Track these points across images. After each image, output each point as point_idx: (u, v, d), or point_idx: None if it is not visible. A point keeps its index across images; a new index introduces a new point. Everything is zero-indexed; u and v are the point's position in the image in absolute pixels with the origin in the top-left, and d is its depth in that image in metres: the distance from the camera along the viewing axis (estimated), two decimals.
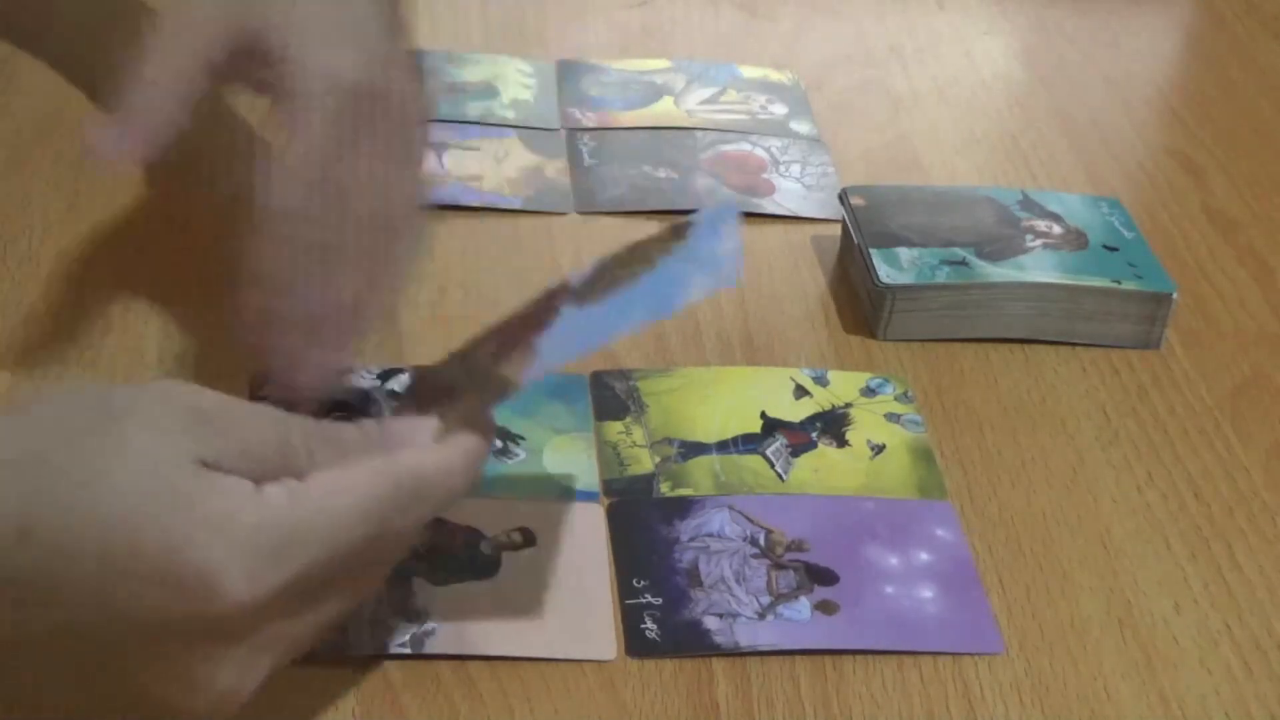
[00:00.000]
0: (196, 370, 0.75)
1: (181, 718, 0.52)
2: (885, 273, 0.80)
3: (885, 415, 0.76)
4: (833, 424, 0.75)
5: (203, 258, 0.82)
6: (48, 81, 0.95)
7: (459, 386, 0.61)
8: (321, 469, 0.53)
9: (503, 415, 0.73)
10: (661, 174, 0.92)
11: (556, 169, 0.92)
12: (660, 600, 0.65)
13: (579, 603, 0.65)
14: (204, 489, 0.50)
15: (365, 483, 0.53)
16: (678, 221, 0.62)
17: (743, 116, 0.99)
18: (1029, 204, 0.87)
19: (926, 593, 0.67)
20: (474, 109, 0.96)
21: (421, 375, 0.68)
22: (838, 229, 0.88)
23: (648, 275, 0.61)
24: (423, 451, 0.55)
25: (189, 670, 0.51)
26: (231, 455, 0.51)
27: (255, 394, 0.71)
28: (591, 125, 0.96)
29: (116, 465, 0.50)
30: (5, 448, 0.51)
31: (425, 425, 0.56)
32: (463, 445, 0.56)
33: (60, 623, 0.50)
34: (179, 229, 0.84)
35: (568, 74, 1.01)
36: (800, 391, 0.77)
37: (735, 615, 0.65)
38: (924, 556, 0.69)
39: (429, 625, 0.63)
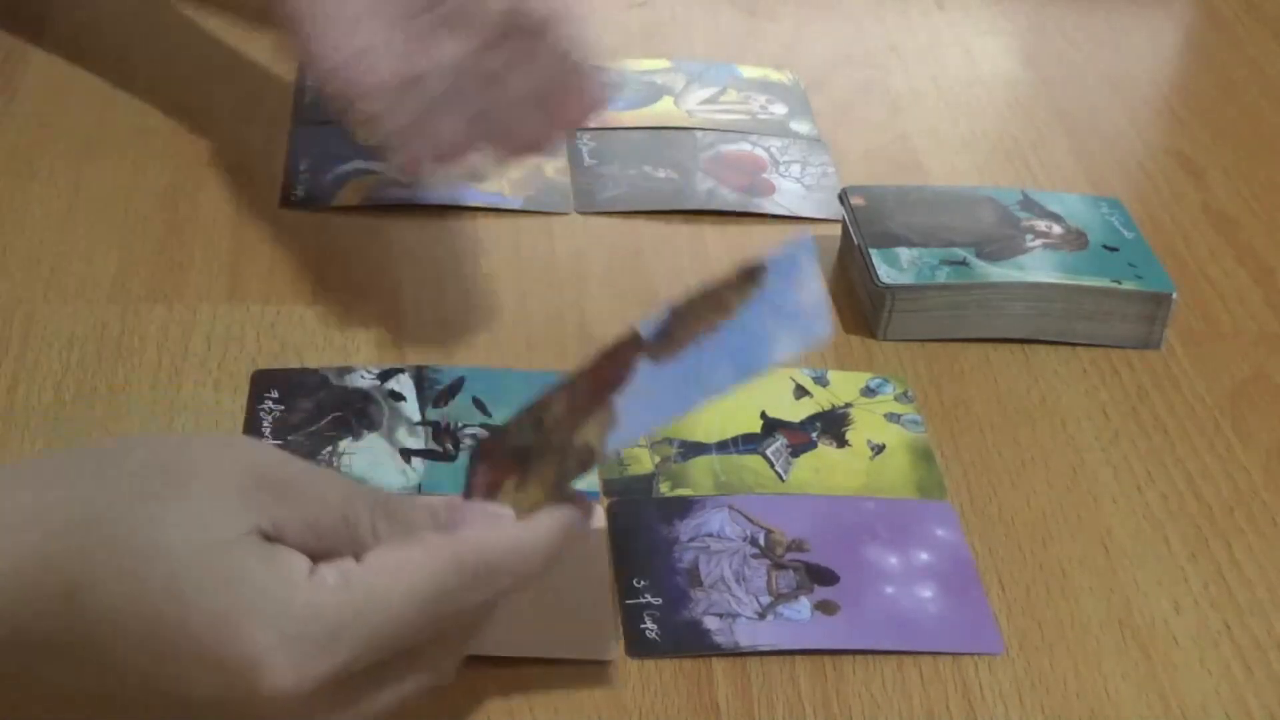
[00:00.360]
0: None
1: None
2: (885, 273, 0.80)
3: (885, 415, 0.76)
4: (833, 424, 0.75)
5: (214, 250, 0.82)
6: (48, 81, 0.95)
7: (533, 453, 0.58)
8: (383, 544, 0.52)
9: (503, 415, 0.73)
10: (661, 174, 0.92)
11: (556, 169, 0.92)
12: (660, 600, 0.65)
13: (579, 603, 0.65)
14: (258, 567, 0.49)
15: (423, 564, 0.51)
16: (750, 263, 0.59)
17: (743, 116, 0.98)
18: (1029, 204, 0.87)
19: (926, 593, 0.67)
20: None
21: (491, 438, 0.63)
22: (838, 229, 0.88)
23: (727, 328, 0.57)
24: (494, 529, 0.53)
25: None
26: (294, 525, 0.51)
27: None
28: (591, 125, 0.96)
29: (174, 535, 0.49)
30: (66, 501, 0.50)
31: (498, 513, 0.55)
32: (543, 523, 0.54)
33: (102, 689, 0.50)
34: (181, 228, 0.84)
35: None
36: (800, 391, 0.77)
37: (735, 615, 0.65)
38: (924, 556, 0.69)
39: None
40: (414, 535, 0.52)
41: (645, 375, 0.57)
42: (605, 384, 0.58)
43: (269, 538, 0.50)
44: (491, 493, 0.57)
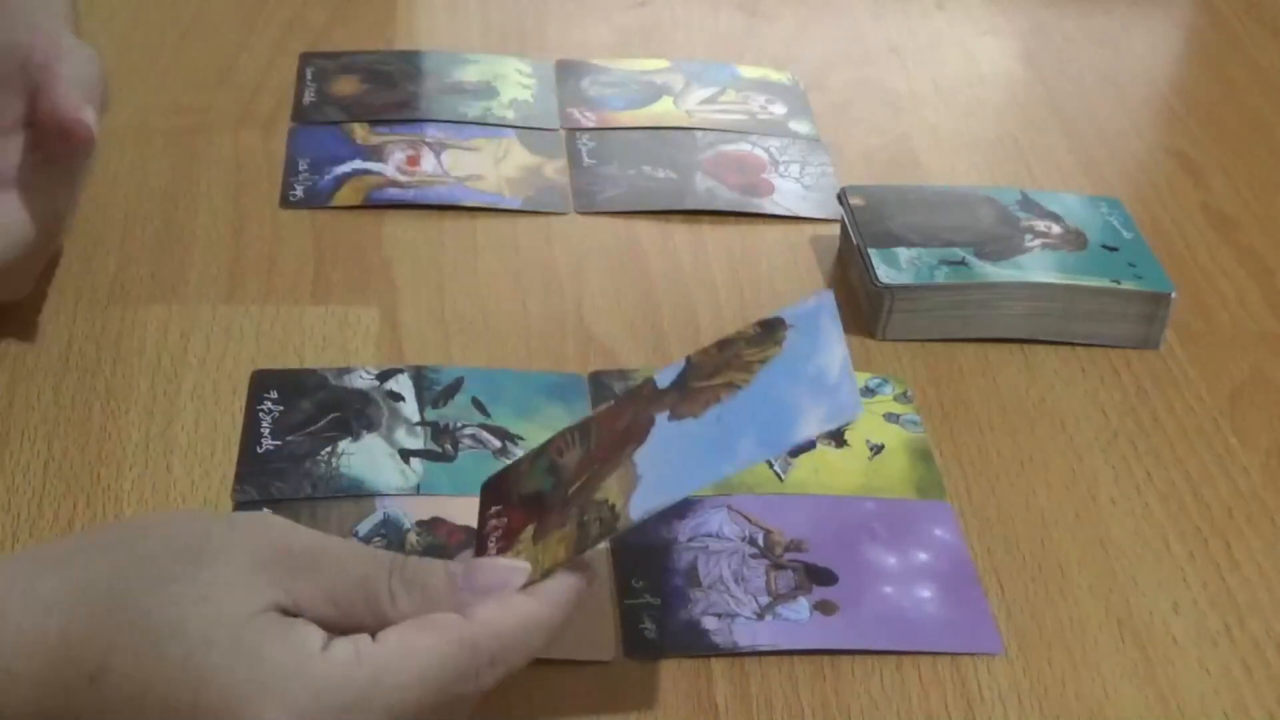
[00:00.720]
0: None
1: None
2: (884, 273, 0.80)
3: (884, 415, 0.76)
4: None
5: (214, 250, 0.82)
6: None
7: (550, 502, 0.58)
8: (403, 611, 0.52)
9: (502, 416, 0.73)
10: (661, 174, 0.92)
11: (556, 169, 0.92)
12: (659, 600, 0.65)
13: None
14: (274, 642, 0.50)
15: (436, 647, 0.52)
16: (769, 318, 0.58)
17: (742, 116, 0.99)
18: (1028, 204, 0.87)
19: (925, 593, 0.67)
20: (473, 109, 0.96)
21: (502, 475, 0.62)
22: (837, 229, 0.88)
23: (749, 391, 0.56)
24: (506, 608, 0.53)
25: None
26: (312, 597, 0.52)
27: None
28: (591, 125, 0.96)
29: (191, 613, 0.50)
30: (87, 586, 0.51)
31: (516, 572, 0.54)
32: (554, 596, 0.54)
33: None
34: (181, 228, 0.84)
35: (567, 74, 1.01)
36: None
37: (734, 615, 0.65)
38: (923, 556, 0.69)
39: None
40: (432, 608, 0.53)
41: (664, 433, 0.56)
42: (622, 437, 0.57)
43: (287, 611, 0.51)
44: (508, 539, 0.57)
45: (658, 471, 0.55)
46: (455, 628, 0.52)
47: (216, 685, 0.49)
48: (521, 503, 0.59)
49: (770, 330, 0.57)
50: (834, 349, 0.56)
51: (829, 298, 0.57)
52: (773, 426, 0.55)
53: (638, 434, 0.57)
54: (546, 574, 0.54)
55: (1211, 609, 0.68)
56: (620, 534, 0.55)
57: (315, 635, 0.51)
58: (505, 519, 0.58)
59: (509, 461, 0.71)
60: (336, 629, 0.52)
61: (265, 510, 0.55)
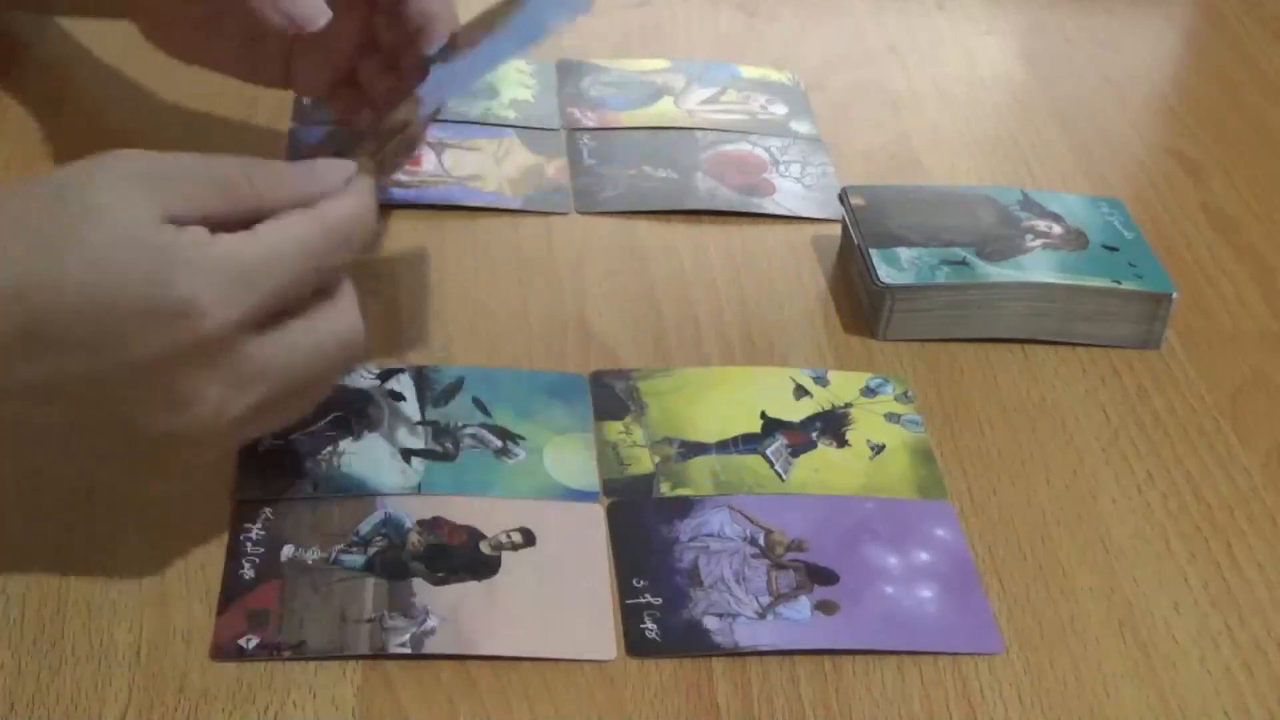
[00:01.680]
0: None
1: (177, 446, 0.58)
2: (885, 273, 0.80)
3: (885, 415, 0.76)
4: (832, 424, 0.75)
5: None
6: (49, 80, 0.96)
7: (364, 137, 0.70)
8: (261, 194, 0.60)
9: (503, 415, 0.73)
10: (661, 174, 0.92)
11: (556, 169, 0.92)
12: (660, 600, 0.65)
13: (579, 603, 0.65)
14: (174, 239, 0.56)
15: (300, 227, 0.60)
16: None
17: (743, 116, 0.99)
18: (1029, 204, 0.87)
19: (926, 593, 0.67)
20: (474, 109, 0.96)
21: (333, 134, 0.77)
22: (838, 229, 0.88)
23: (504, 25, 0.68)
24: (339, 200, 0.62)
25: (176, 390, 0.57)
26: (189, 208, 0.58)
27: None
28: (591, 125, 0.96)
29: (92, 229, 0.56)
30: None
31: (342, 166, 0.64)
32: (367, 187, 0.64)
33: (54, 371, 0.56)
34: None
35: (568, 74, 1.01)
36: (800, 391, 0.77)
37: (735, 615, 0.65)
38: (924, 556, 0.69)
39: (429, 625, 0.63)
40: (284, 189, 0.61)
41: (437, 72, 0.70)
42: (403, 91, 0.72)
43: (173, 223, 0.57)
44: None
45: (434, 91, 0.69)
46: (312, 214, 0.61)
47: (137, 274, 0.55)
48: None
49: None
50: None
51: None
52: (522, 31, 0.68)
53: (415, 84, 0.71)
54: None
55: (1212, 609, 0.68)
56: (416, 125, 0.70)
57: (203, 230, 0.57)
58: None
59: (510, 461, 0.71)
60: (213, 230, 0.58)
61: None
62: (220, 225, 0.58)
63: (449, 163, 0.91)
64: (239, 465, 0.69)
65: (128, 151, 0.59)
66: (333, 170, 0.63)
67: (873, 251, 0.82)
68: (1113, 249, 0.84)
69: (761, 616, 0.65)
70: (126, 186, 0.57)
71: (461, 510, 0.68)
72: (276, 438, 0.70)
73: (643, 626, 0.64)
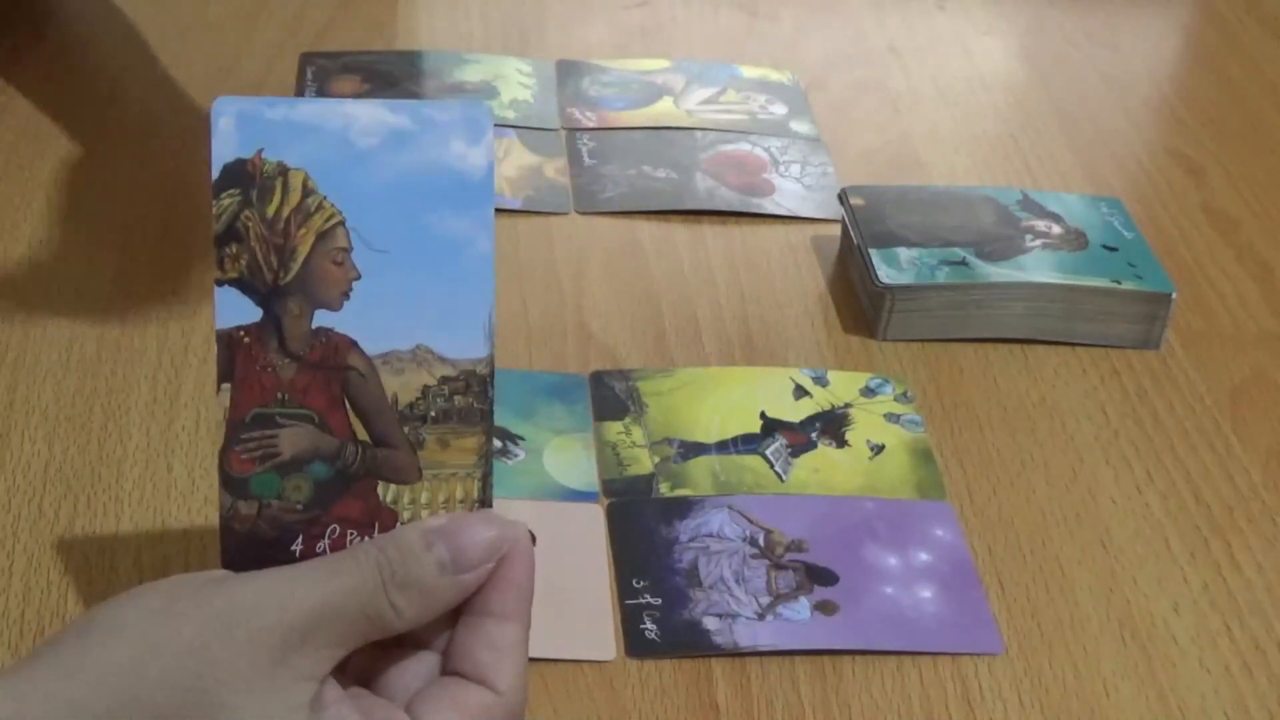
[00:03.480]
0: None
1: None
2: (885, 273, 0.80)
3: (885, 415, 0.76)
4: (832, 424, 0.75)
5: (198, 264, 0.82)
6: (49, 81, 0.96)
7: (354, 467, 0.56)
8: (408, 620, 0.52)
9: (503, 415, 0.73)
10: (661, 174, 0.92)
11: (556, 169, 0.92)
12: (660, 600, 0.65)
13: (579, 603, 0.65)
14: None
15: None
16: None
17: (743, 116, 0.99)
18: (1029, 204, 0.87)
19: (926, 593, 0.67)
20: None
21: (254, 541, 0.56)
22: (837, 229, 0.88)
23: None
24: (506, 661, 0.54)
25: None
26: (329, 657, 0.51)
27: None
28: (591, 125, 0.96)
29: None
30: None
31: (486, 523, 0.55)
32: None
33: None
34: (181, 228, 0.84)
35: (567, 74, 1.01)
36: (800, 392, 0.77)
37: (735, 615, 0.65)
38: (923, 557, 0.69)
39: None
40: (435, 609, 0.53)
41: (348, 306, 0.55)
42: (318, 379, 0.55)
43: (318, 689, 0.50)
44: (368, 521, 0.56)
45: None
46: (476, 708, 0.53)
47: None
48: (323, 498, 0.55)
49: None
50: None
51: None
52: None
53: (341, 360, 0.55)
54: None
55: (1211, 609, 0.68)
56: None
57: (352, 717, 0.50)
58: (333, 524, 0.56)
59: (510, 461, 0.71)
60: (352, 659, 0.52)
61: (248, 578, 0.52)
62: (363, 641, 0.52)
63: None
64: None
65: (266, 612, 0.50)
66: (475, 534, 0.54)
67: (872, 251, 0.82)
68: (1112, 249, 0.84)
69: (761, 617, 0.65)
70: (267, 676, 0.49)
71: None
72: None
73: (642, 627, 0.64)
